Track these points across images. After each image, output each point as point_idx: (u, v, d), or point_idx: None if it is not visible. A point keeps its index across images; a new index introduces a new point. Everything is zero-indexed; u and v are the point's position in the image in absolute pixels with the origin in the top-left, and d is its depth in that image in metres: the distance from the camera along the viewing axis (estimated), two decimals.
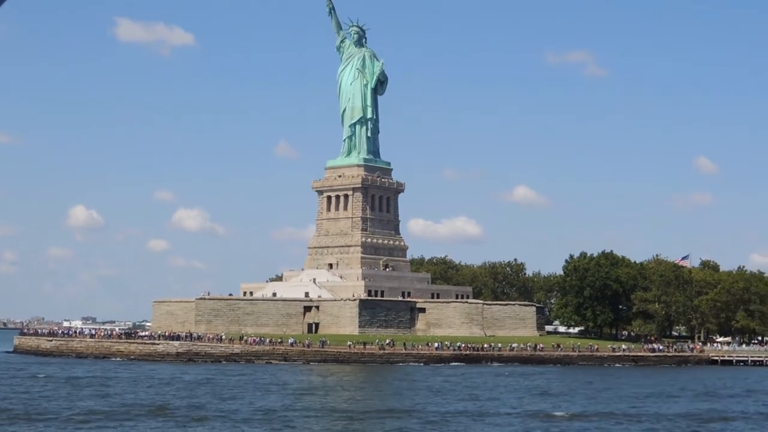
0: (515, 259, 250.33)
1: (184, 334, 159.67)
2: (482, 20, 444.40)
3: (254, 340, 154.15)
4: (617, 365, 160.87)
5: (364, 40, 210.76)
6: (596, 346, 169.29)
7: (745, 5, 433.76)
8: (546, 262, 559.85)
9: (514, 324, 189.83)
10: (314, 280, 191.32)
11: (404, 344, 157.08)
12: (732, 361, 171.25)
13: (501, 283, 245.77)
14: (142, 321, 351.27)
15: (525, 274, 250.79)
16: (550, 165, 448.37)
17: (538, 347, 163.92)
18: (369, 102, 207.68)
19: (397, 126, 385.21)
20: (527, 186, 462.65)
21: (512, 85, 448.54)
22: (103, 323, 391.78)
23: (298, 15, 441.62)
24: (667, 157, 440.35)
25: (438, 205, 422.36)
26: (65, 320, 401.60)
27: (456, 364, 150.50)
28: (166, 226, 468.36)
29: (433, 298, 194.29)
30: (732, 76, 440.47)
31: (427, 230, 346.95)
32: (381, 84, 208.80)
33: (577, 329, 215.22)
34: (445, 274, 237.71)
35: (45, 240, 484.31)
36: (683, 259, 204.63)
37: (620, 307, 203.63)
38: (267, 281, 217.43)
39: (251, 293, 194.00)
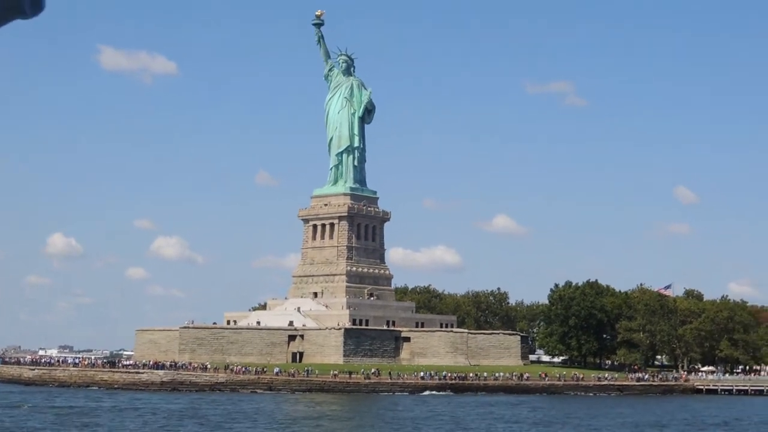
0: (498, 288, 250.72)
1: (168, 363, 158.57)
2: (464, 51, 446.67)
3: (240, 369, 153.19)
4: (603, 394, 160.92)
5: (352, 69, 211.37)
6: (581, 376, 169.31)
7: (725, 35, 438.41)
8: (527, 291, 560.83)
9: (499, 353, 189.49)
10: (299, 308, 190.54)
11: (389, 374, 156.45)
12: (717, 390, 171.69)
13: (484, 312, 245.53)
14: (120, 349, 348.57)
15: (508, 303, 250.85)
16: (529, 195, 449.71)
17: (524, 377, 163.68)
18: (356, 131, 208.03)
19: (380, 154, 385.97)
20: (506, 215, 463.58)
21: (493, 115, 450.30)
22: (80, 352, 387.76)
23: (283, 44, 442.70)
24: (646, 187, 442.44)
25: (417, 234, 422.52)
26: (41, 348, 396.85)
27: (442, 393, 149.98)
28: (145, 254, 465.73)
29: (417, 327, 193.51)
30: (710, 106, 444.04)
31: (406, 259, 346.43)
32: (369, 113, 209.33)
33: (560, 358, 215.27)
34: (429, 303, 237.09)
35: (23, 268, 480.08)
36: (665, 288, 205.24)
37: (604, 336, 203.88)
38: (250, 310, 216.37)
39: (235, 322, 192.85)
